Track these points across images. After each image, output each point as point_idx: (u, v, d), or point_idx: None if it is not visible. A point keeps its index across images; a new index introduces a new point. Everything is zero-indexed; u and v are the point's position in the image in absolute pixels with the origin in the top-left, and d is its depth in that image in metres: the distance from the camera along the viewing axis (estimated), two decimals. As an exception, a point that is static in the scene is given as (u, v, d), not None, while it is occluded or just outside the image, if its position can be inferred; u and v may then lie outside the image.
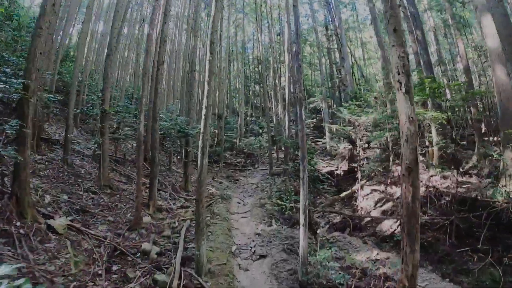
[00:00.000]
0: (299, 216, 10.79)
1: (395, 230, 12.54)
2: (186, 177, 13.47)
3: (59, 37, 21.72)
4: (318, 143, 27.78)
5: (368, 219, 13.59)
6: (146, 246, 7.51)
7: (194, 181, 15.43)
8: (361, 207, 14.53)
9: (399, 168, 16.89)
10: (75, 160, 13.36)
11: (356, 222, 13.32)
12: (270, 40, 34.27)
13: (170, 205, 11.15)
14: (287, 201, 11.04)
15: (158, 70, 11.29)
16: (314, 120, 31.08)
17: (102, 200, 10.22)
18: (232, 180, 17.98)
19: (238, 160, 23.75)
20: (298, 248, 8.12)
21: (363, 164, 15.81)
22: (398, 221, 12.63)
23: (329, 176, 19.51)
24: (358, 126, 14.69)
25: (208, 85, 5.97)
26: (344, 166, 20.93)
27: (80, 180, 11.31)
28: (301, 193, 5.99)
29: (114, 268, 6.91)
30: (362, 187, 15.80)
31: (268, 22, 34.35)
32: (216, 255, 7.21)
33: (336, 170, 21.09)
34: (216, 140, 23.07)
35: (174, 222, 9.36)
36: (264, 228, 9.48)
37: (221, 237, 8.27)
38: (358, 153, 15.09)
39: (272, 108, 26.35)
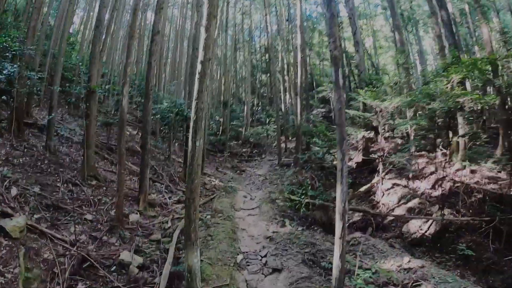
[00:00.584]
0: (317, 216, 8.77)
1: (425, 232, 10.47)
2: (186, 167, 11.48)
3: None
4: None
5: (391, 217, 11.57)
6: (125, 256, 5.55)
7: (195, 171, 13.50)
8: (383, 204, 12.43)
9: (420, 160, 14.78)
10: (61, 147, 11.44)
11: (378, 220, 11.26)
12: (278, 27, 31.97)
13: (165, 199, 9.19)
14: (302, 197, 9.02)
15: (152, 42, 9.25)
16: (323, 110, 28.86)
17: (83, 193, 8.29)
18: (238, 171, 15.99)
19: (244, 150, 21.73)
20: (322, 259, 6.12)
21: (383, 155, 13.68)
22: (429, 222, 10.60)
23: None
24: (380, 112, 12.55)
25: (206, 31, 3.94)
26: (357, 157, 18.83)
27: (62, 169, 9.38)
28: (337, 191, 3.95)
29: (80, 287, 4.98)
30: (381, 180, 13.72)
31: (276, 8, 32.00)
32: (216, 270, 5.23)
33: (348, 161, 19.00)
34: (221, 129, 21.01)
35: (167, 221, 7.40)
36: (277, 230, 7.48)
37: (224, 242, 6.28)
38: (380, 142, 12.98)
39: (281, 96, 24.18)
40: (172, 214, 7.86)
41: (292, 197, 9.54)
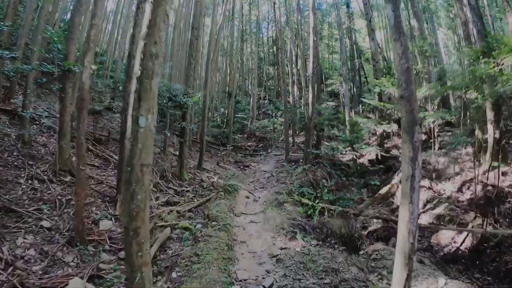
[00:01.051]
0: (335, 226, 6.96)
1: (460, 245, 8.59)
2: (181, 161, 9.76)
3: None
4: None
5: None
6: (74, 285, 3.84)
7: (193, 166, 11.73)
8: None
9: (442, 159, 12.87)
10: (39, 138, 9.80)
11: (401, 228, 9.38)
12: (287, 18, 29.97)
13: (151, 199, 7.46)
14: (316, 201, 7.20)
15: (138, 9, 7.46)
16: (333, 103, 26.85)
17: (49, 192, 6.61)
18: (241, 166, 14.24)
19: (248, 143, 19.94)
20: (348, 293, 4.32)
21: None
22: (464, 233, 8.74)
23: (350, 166, 15.64)
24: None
25: None
26: (370, 154, 16.94)
27: (32, 162, 7.72)
28: (402, 215, 2.17)
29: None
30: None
31: (285, -3, 29.90)
32: (198, 315, 3.47)
33: (359, 158, 17.11)
34: (225, 121, 19.21)
35: (147, 231, 5.65)
36: (286, 245, 5.71)
37: (215, 266, 4.52)
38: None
39: (289, 88, 22.24)
40: (154, 221, 6.12)
41: (303, 200, 7.73)
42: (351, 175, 14.39)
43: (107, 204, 6.63)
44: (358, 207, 8.24)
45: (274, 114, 21.59)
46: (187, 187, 8.81)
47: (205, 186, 9.08)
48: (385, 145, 16.29)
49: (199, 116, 18.07)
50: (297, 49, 30.77)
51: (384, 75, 15.04)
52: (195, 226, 5.85)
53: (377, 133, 14.49)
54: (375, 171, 14.63)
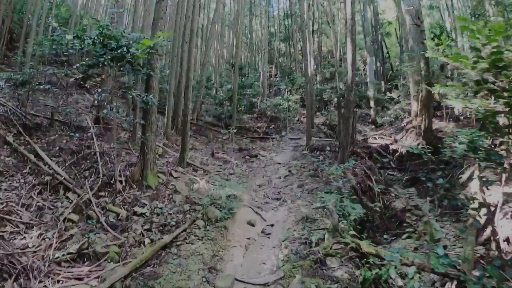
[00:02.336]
0: None
1: None
2: (144, 157, 5.44)
3: None
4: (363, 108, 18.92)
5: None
6: None
7: (173, 160, 7.35)
8: (505, 240, 5.87)
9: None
10: None
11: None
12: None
13: (41, 249, 3.19)
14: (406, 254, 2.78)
15: None
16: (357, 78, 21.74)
17: None
18: (247, 156, 9.85)
19: (258, 124, 15.42)
20: None
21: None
22: None
23: (383, 153, 11.11)
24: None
25: None
26: (407, 139, 12.29)
27: None
28: None
29: None
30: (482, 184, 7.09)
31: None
32: None
33: (392, 144, 12.41)
34: (230, 96, 14.48)
35: None
36: None
37: None
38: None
39: (308, 57, 17.29)
40: None
41: (363, 245, 3.36)
42: (387, 167, 9.98)
43: None
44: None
45: (288, 89, 16.88)
46: (143, 206, 4.53)
47: (178, 202, 4.80)
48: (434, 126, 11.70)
49: (197, 92, 13.58)
50: (313, 20, 25.40)
51: (435, 37, 10.36)
52: None
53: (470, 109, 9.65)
54: (420, 162, 9.88)
